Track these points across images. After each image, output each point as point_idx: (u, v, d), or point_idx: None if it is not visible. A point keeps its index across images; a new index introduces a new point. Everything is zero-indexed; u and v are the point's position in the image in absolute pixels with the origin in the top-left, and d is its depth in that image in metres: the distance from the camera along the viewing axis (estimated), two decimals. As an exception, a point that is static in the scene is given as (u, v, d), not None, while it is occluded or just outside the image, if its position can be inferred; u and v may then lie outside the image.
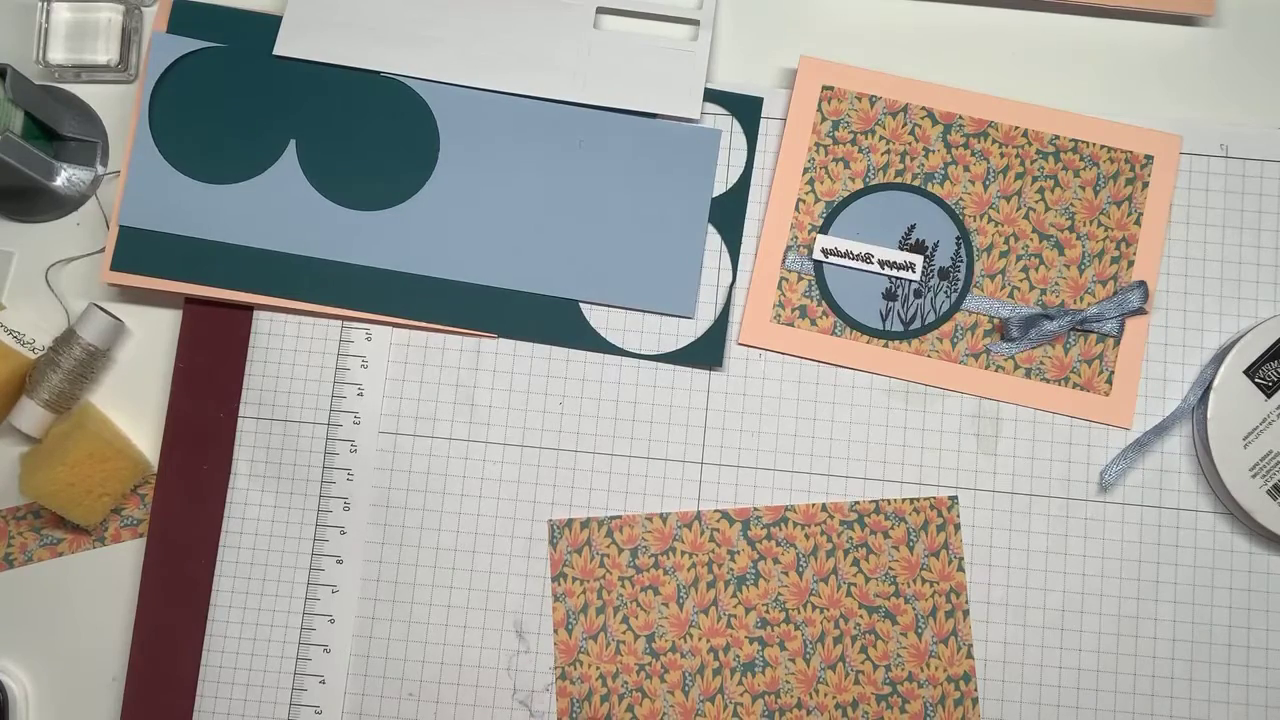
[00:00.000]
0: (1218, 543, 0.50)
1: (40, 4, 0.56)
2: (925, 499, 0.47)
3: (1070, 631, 0.50)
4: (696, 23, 0.55)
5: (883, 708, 0.49)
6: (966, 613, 0.47)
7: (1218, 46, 0.54)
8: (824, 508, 0.50)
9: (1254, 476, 0.49)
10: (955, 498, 0.51)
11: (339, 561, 0.52)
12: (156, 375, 0.55)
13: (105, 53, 0.56)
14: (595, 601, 0.50)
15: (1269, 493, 0.49)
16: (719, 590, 0.50)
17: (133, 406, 0.55)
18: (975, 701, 0.50)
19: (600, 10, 0.55)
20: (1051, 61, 0.54)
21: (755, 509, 0.50)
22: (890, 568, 0.50)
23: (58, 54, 0.56)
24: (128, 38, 0.57)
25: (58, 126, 0.55)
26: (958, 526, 0.48)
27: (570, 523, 0.50)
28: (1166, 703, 0.50)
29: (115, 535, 0.54)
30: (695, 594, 0.50)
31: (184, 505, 0.53)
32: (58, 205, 0.56)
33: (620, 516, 0.50)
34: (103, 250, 0.54)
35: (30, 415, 0.53)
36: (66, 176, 0.56)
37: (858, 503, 0.49)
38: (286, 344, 0.54)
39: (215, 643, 0.52)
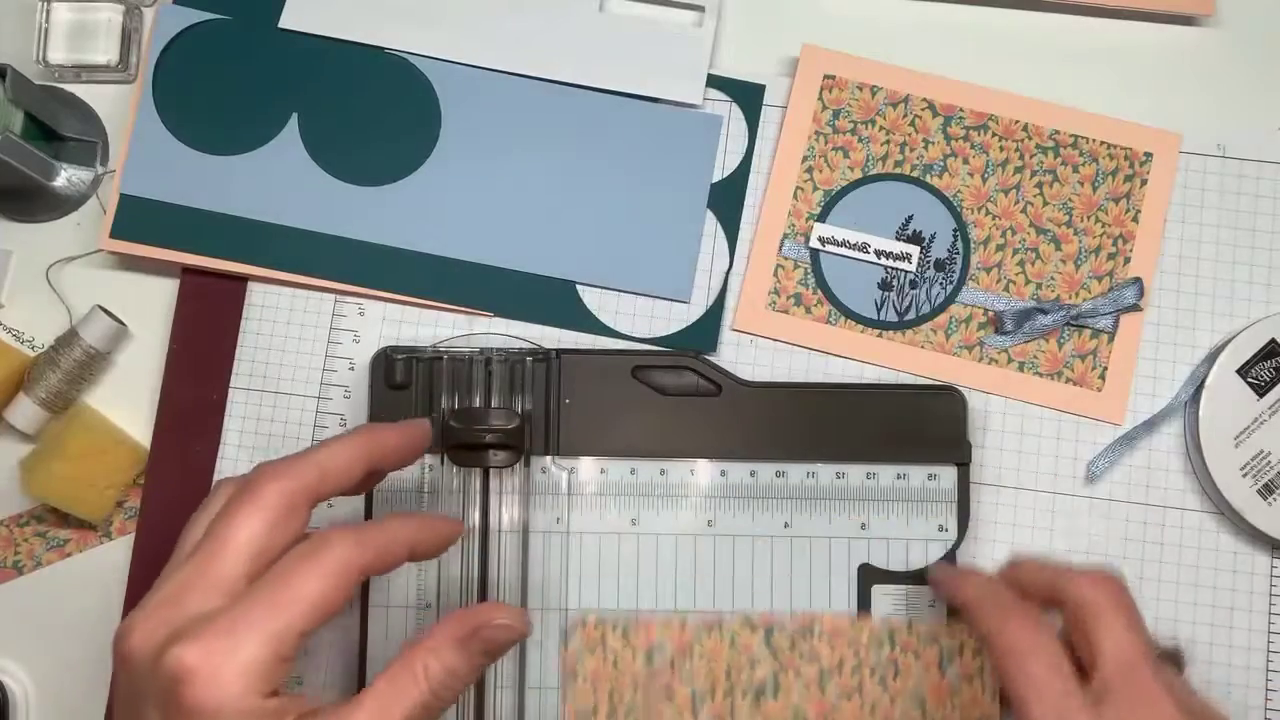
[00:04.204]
0: (1205, 541, 0.50)
1: (40, 4, 0.56)
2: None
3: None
4: (701, 9, 0.55)
5: None
6: None
7: (1218, 46, 0.54)
8: (852, 623, 0.48)
9: (1244, 476, 0.49)
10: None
11: (324, 533, 0.52)
12: (156, 375, 0.54)
13: (105, 53, 0.56)
14: (606, 705, 0.47)
15: (1259, 492, 0.49)
16: (735, 699, 0.47)
17: (129, 403, 0.55)
18: None
19: (606, -7, 0.56)
20: (1051, 61, 0.55)
21: (777, 620, 0.48)
22: (918, 687, 0.47)
23: (58, 54, 0.56)
24: (128, 38, 0.57)
25: (58, 126, 0.56)
26: (978, 657, 0.46)
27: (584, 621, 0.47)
28: (1150, 699, 0.49)
29: (121, 528, 0.54)
30: (711, 702, 0.47)
31: (174, 486, 0.53)
32: (58, 205, 0.56)
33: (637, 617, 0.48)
34: (102, 251, 0.55)
35: (25, 412, 0.53)
36: (66, 176, 0.56)
37: (892, 623, 0.47)
38: (280, 316, 0.54)
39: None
